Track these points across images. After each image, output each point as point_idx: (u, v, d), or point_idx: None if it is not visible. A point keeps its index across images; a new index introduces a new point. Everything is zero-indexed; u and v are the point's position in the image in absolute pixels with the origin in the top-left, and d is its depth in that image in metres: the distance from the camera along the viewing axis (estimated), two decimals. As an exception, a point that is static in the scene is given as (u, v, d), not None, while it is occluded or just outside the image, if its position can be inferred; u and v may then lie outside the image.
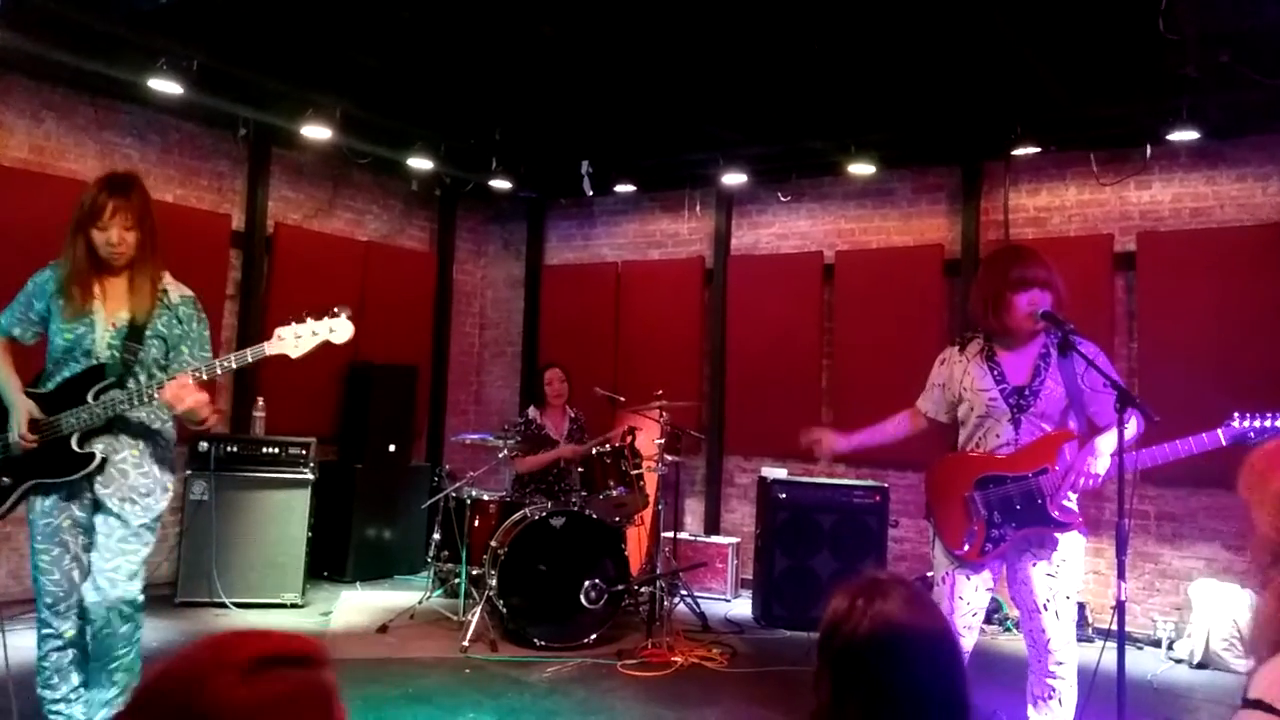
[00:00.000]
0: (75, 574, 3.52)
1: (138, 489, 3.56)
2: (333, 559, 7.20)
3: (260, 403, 6.96)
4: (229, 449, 6.45)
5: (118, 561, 3.50)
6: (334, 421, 7.70)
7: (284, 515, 6.47)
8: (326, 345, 3.46)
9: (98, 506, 3.53)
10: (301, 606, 6.39)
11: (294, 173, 7.71)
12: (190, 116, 6.82)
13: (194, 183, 7.02)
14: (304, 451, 6.58)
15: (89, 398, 3.45)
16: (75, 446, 3.46)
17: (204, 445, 6.37)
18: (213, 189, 7.14)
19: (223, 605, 6.17)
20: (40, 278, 3.60)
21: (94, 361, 3.48)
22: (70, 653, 3.57)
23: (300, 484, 6.53)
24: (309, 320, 3.45)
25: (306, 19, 5.46)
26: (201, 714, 1.05)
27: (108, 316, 3.51)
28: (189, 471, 6.37)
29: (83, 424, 3.44)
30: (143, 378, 3.51)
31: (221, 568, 6.26)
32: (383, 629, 5.94)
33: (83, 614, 3.49)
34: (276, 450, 6.54)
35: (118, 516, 3.52)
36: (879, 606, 1.50)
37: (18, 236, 5.39)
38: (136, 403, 3.46)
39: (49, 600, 3.51)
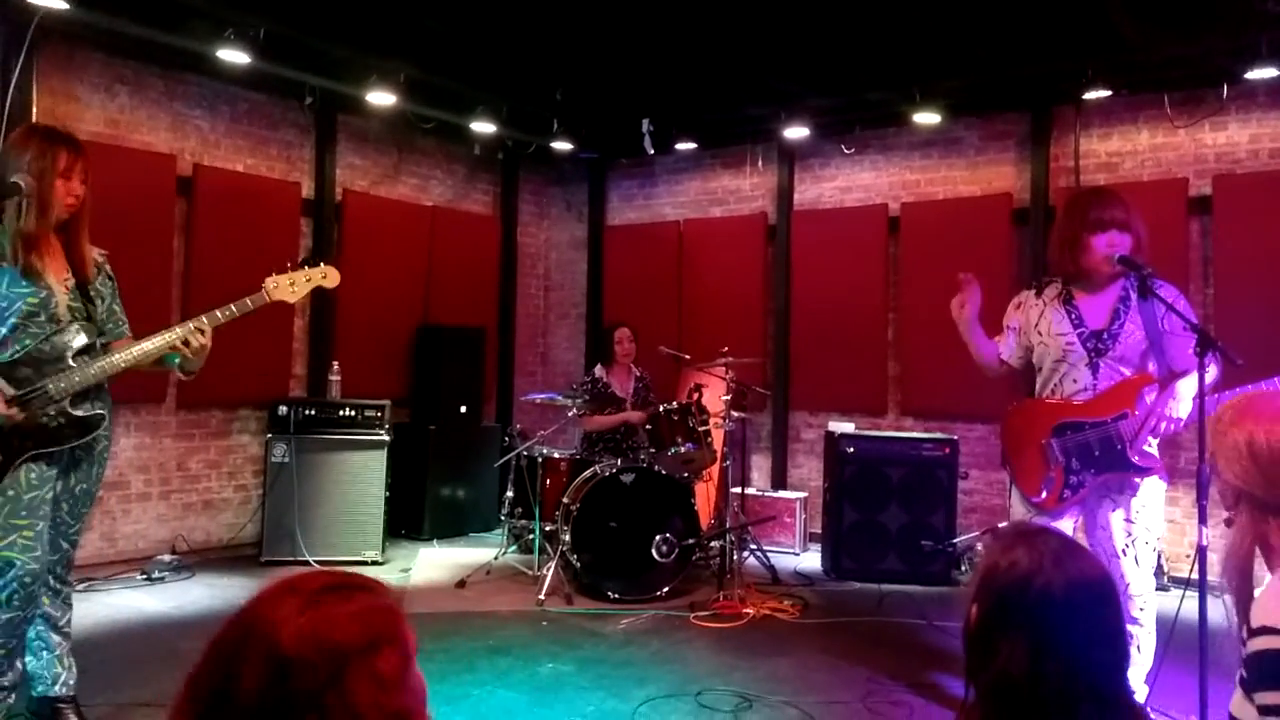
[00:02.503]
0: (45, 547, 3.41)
1: (106, 450, 3.64)
2: (410, 517, 7.38)
3: (336, 367, 7.13)
4: (307, 412, 6.62)
5: (79, 525, 3.59)
6: (406, 384, 7.85)
7: (362, 475, 6.64)
8: (338, 304, 3.61)
9: (71, 470, 3.49)
10: (382, 563, 6.57)
11: (360, 140, 7.81)
12: (258, 86, 6.93)
13: (263, 152, 7.15)
14: (379, 414, 6.73)
15: (70, 360, 3.36)
16: (74, 410, 3.39)
17: (283, 409, 6.55)
18: (282, 158, 7.27)
19: (306, 564, 6.36)
20: None
21: (59, 325, 3.36)
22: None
23: (376, 445, 6.69)
24: (302, 269, 3.73)
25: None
26: (272, 638, 1.11)
27: (56, 278, 3.39)
28: (269, 435, 6.57)
29: (74, 386, 3.36)
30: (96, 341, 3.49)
31: (304, 527, 6.45)
32: (461, 584, 6.09)
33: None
34: (353, 413, 6.69)
35: (93, 479, 3.57)
36: (1059, 557, 1.45)
37: (94, 209, 5.53)
38: (169, 355, 3.48)
39: (28, 580, 3.28)
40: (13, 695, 3.40)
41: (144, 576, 5.99)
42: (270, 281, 3.66)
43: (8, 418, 3.23)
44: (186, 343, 3.49)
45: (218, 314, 3.55)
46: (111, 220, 3.63)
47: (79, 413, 3.42)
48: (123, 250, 3.68)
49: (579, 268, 9.39)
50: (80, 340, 3.41)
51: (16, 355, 3.30)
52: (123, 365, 3.45)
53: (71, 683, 3.62)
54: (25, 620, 3.37)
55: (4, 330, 3.30)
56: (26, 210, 3.30)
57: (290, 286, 3.67)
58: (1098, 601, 1.45)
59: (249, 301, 3.59)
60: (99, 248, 3.62)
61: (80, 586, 3.77)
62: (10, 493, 3.28)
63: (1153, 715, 3.52)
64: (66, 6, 5.24)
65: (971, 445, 6.94)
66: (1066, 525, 3.65)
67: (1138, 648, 3.57)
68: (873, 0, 5.46)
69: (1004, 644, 1.43)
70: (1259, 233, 6.15)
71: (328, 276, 3.76)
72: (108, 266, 3.64)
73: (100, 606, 5.31)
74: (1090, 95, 6.48)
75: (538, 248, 9.60)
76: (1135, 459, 3.50)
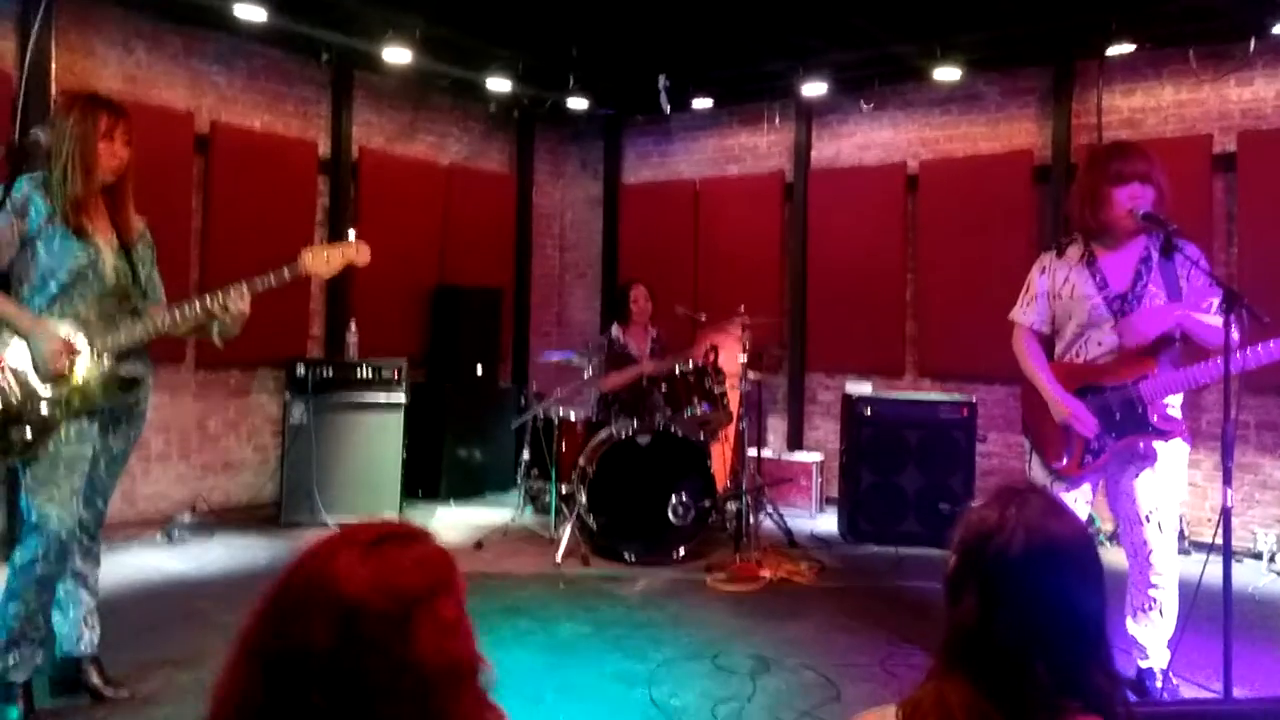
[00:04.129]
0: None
1: (144, 412, 3.70)
2: (426, 478, 7.41)
3: (353, 327, 7.12)
4: (325, 373, 6.63)
5: (114, 484, 3.67)
6: (422, 344, 7.85)
7: (379, 436, 6.66)
8: (354, 275, 3.70)
9: (111, 428, 3.56)
10: (399, 523, 6.59)
11: (376, 97, 7.75)
12: (274, 43, 6.87)
13: (280, 109, 7.10)
14: (396, 374, 6.74)
15: (117, 321, 3.45)
16: (119, 370, 3.45)
17: (301, 369, 6.56)
18: (298, 115, 7.22)
19: (324, 525, 6.39)
20: (19, 192, 3.36)
21: (108, 285, 3.45)
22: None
23: (393, 406, 6.70)
24: (336, 244, 3.76)
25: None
26: (339, 589, 1.11)
27: (104, 239, 3.47)
28: (287, 396, 6.58)
29: (120, 345, 3.43)
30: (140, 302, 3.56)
31: (321, 488, 6.48)
32: (478, 545, 6.12)
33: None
34: (370, 374, 6.70)
35: (130, 439, 3.65)
36: (1028, 516, 1.48)
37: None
38: (210, 323, 3.56)
39: (64, 535, 3.34)
40: (41, 651, 3.46)
41: (164, 537, 6.04)
42: (306, 254, 3.67)
43: (64, 369, 3.30)
44: (226, 309, 3.53)
45: (257, 282, 3.57)
46: (133, 176, 3.68)
47: (124, 372, 3.48)
48: (142, 209, 3.69)
49: (595, 227, 9.33)
50: (127, 302, 3.49)
51: (67, 313, 3.38)
52: (165, 327, 3.52)
53: (96, 641, 3.66)
54: (59, 575, 3.43)
55: (54, 288, 3.37)
56: (72, 172, 3.33)
57: (325, 260, 3.68)
58: (1059, 568, 1.46)
59: (286, 272, 3.62)
60: (140, 216, 3.67)
61: (102, 546, 3.84)
62: (51, 448, 3.34)
63: (1147, 686, 3.51)
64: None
65: (990, 407, 6.90)
66: (1086, 491, 3.62)
67: (1160, 611, 3.57)
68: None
69: (965, 594, 1.48)
70: (1286, 191, 6.04)
71: (360, 253, 3.75)
72: (149, 234, 3.70)
73: (121, 566, 5.36)
74: (1114, 50, 6.36)
75: (553, 207, 9.54)
76: (1155, 420, 3.46)
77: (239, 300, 3.53)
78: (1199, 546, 5.78)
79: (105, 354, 3.42)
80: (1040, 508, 1.50)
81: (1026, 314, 3.83)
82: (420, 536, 1.22)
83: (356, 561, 1.13)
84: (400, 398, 6.72)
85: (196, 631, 4.37)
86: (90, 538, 3.65)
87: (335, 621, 1.09)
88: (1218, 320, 3.26)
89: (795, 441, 8.00)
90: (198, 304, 3.52)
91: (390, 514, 6.60)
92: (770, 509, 6.62)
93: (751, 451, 6.68)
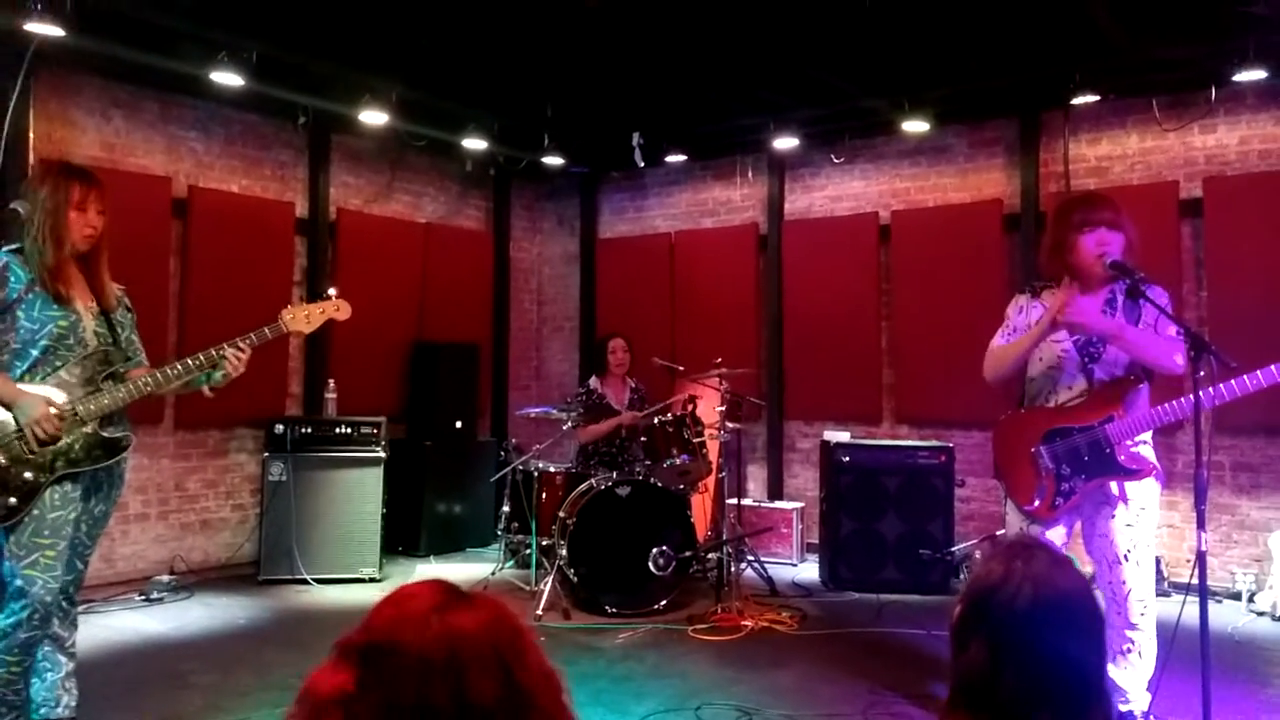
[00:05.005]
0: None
1: (124, 474, 3.74)
2: (406, 533, 7.38)
3: (331, 384, 7.13)
4: (304, 430, 6.62)
5: (94, 546, 3.68)
6: (401, 400, 7.86)
7: (358, 492, 6.64)
8: (333, 322, 3.97)
9: (93, 491, 3.58)
10: (379, 580, 6.56)
11: (353, 159, 7.84)
12: (252, 108, 6.96)
13: (257, 173, 7.17)
14: (375, 430, 6.73)
15: (100, 384, 3.49)
16: (102, 432, 3.49)
17: (280, 428, 6.56)
18: (276, 178, 7.29)
19: (304, 582, 6.36)
20: None
21: (89, 349, 3.50)
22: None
23: (373, 462, 6.69)
24: (316, 302, 3.93)
25: (359, 3, 5.53)
26: (404, 650, 1.14)
27: (83, 304, 3.54)
28: (266, 454, 6.56)
29: (104, 409, 3.47)
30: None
31: (301, 545, 6.44)
32: (459, 601, 6.06)
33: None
34: (349, 430, 6.70)
35: (111, 501, 3.68)
36: (1035, 570, 1.52)
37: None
38: (199, 376, 3.63)
39: (48, 599, 3.35)
40: (19, 718, 3.41)
41: (143, 597, 5.98)
42: (287, 313, 3.80)
43: (47, 437, 3.33)
44: (218, 363, 3.62)
45: (239, 343, 3.64)
46: (108, 243, 3.76)
47: (107, 434, 3.52)
48: (119, 273, 3.75)
49: (572, 281, 9.40)
50: (111, 367, 3.55)
51: (49, 377, 3.43)
52: (149, 389, 3.57)
53: (74, 705, 3.63)
54: (40, 640, 3.42)
55: (35, 353, 3.43)
56: (44, 242, 3.42)
57: (305, 318, 3.83)
58: (1063, 623, 1.50)
59: (267, 331, 3.73)
60: (117, 283, 3.74)
61: (80, 608, 3.81)
62: (35, 511, 3.36)
63: None
64: (64, 33, 5.24)
65: (967, 453, 6.94)
66: (1060, 533, 3.65)
67: (1139, 653, 3.57)
68: (860, 10, 5.48)
69: (972, 644, 1.52)
70: (1250, 234, 6.17)
71: (340, 309, 3.91)
72: (126, 300, 3.77)
73: (99, 628, 5.30)
74: (1078, 100, 6.51)
75: (530, 262, 9.62)
76: (1122, 459, 3.50)
77: (236, 354, 3.61)
78: (1178, 587, 5.81)
79: (89, 417, 3.45)
80: (1046, 562, 1.55)
81: (1001, 340, 3.88)
82: (485, 597, 1.25)
83: (464, 616, 1.17)
84: (380, 454, 6.71)
85: (176, 693, 4.33)
86: (68, 600, 3.62)
87: (496, 674, 1.14)
88: (1164, 343, 3.40)
89: (775, 489, 8.02)
90: (189, 361, 3.59)
91: (370, 571, 6.57)
92: (751, 557, 6.61)
93: (732, 500, 6.70)
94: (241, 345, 3.64)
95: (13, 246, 3.49)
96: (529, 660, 1.18)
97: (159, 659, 4.89)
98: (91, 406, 3.45)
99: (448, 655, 1.14)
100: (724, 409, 6.31)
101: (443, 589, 1.23)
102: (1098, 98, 6.51)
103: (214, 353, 3.62)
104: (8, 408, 3.34)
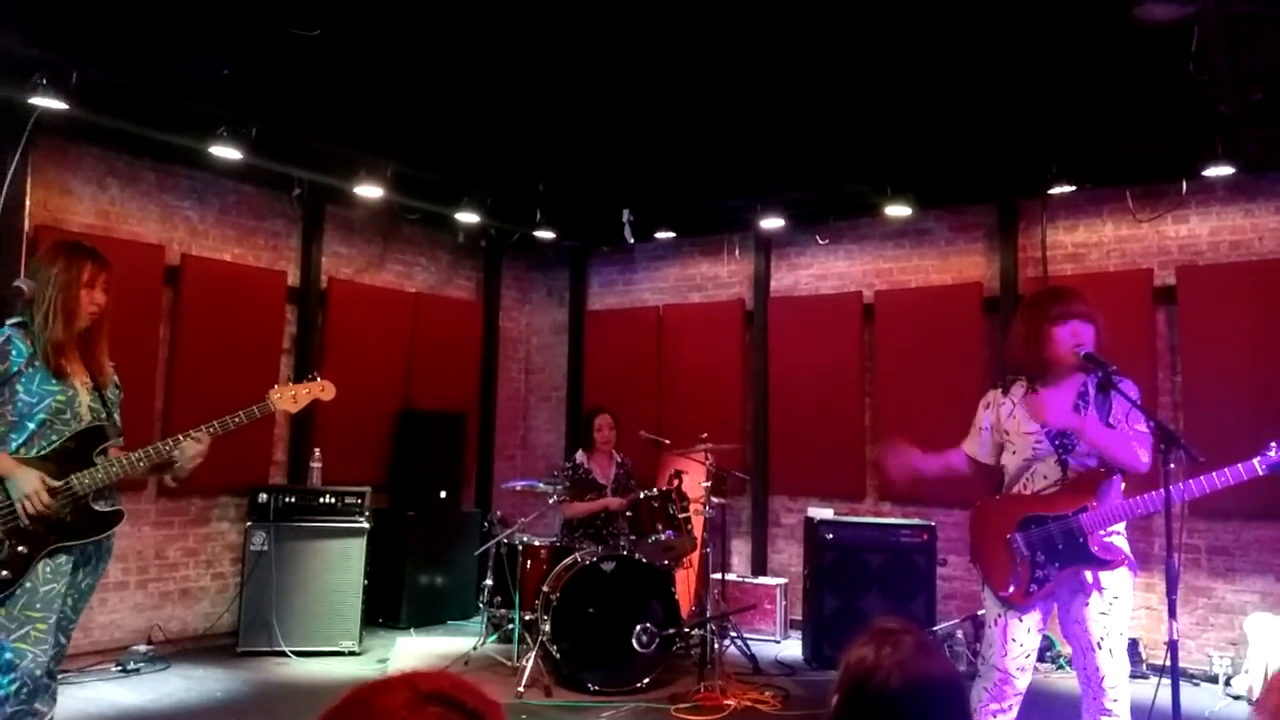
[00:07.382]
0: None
1: (112, 547, 3.77)
2: (387, 605, 7.33)
3: (317, 454, 7.14)
4: (287, 500, 6.62)
5: (78, 619, 3.70)
6: (386, 469, 7.86)
7: (341, 563, 6.62)
8: (318, 402, 4.11)
9: (82, 565, 3.60)
10: (359, 654, 6.51)
11: (346, 229, 7.95)
12: (247, 179, 7.07)
13: (251, 242, 7.26)
14: (359, 500, 6.74)
15: (94, 459, 3.54)
16: (94, 506, 3.54)
17: (263, 497, 6.55)
18: (269, 247, 7.38)
19: (283, 654, 6.31)
20: (0, 336, 3.53)
21: (83, 424, 3.56)
22: None
23: (356, 532, 6.68)
24: (303, 383, 4.08)
25: (357, 83, 5.68)
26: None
27: (79, 380, 3.61)
28: (249, 523, 6.55)
29: (97, 483, 3.52)
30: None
31: (281, 617, 6.40)
32: (439, 675, 6.02)
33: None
34: (333, 500, 6.70)
35: (98, 574, 3.71)
36: (901, 657, 1.59)
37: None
38: (159, 461, 3.66)
39: (37, 673, 3.35)
40: None
41: (119, 668, 5.91)
42: (274, 393, 3.93)
43: (41, 510, 3.36)
44: (179, 453, 3.66)
45: (229, 421, 3.74)
46: (109, 321, 3.84)
47: (99, 508, 3.57)
48: (109, 339, 3.81)
49: (560, 351, 9.49)
50: (104, 441, 3.60)
51: (44, 451, 3.48)
52: (142, 467, 3.64)
53: None
54: (25, 715, 3.39)
55: (32, 426, 3.48)
56: (53, 318, 3.50)
57: (292, 398, 3.98)
58: (937, 706, 1.58)
59: (255, 410, 3.83)
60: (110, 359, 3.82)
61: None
62: (28, 584, 3.38)
63: None
64: (66, 107, 5.35)
65: (949, 531, 6.98)
66: (1036, 618, 3.70)
67: (1113, 738, 3.60)
68: (844, 99, 5.67)
69: None
70: (1223, 322, 6.33)
71: (325, 390, 4.08)
72: (116, 377, 3.83)
73: (74, 699, 5.24)
74: (1055, 190, 6.70)
75: (519, 332, 9.71)
76: (1096, 550, 3.57)
77: (195, 444, 3.67)
78: (1155, 669, 5.83)
79: (83, 491, 3.49)
80: (911, 647, 1.62)
81: (972, 445, 4.01)
82: (475, 713, 1.22)
83: (399, 707, 1.16)
84: (363, 524, 6.70)
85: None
86: (48, 675, 3.60)
87: None
88: (1128, 442, 3.50)
89: (759, 565, 8.03)
90: (151, 450, 3.63)
91: (350, 643, 6.52)
92: (735, 634, 6.61)
93: (716, 575, 6.71)
94: (196, 436, 3.67)
95: (14, 321, 3.57)
96: None
97: (135, 732, 4.84)
98: (86, 481, 3.49)
99: None
100: (709, 484, 6.35)
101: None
102: (1074, 187, 6.72)
103: (171, 441, 3.67)
104: (2, 481, 3.38)
